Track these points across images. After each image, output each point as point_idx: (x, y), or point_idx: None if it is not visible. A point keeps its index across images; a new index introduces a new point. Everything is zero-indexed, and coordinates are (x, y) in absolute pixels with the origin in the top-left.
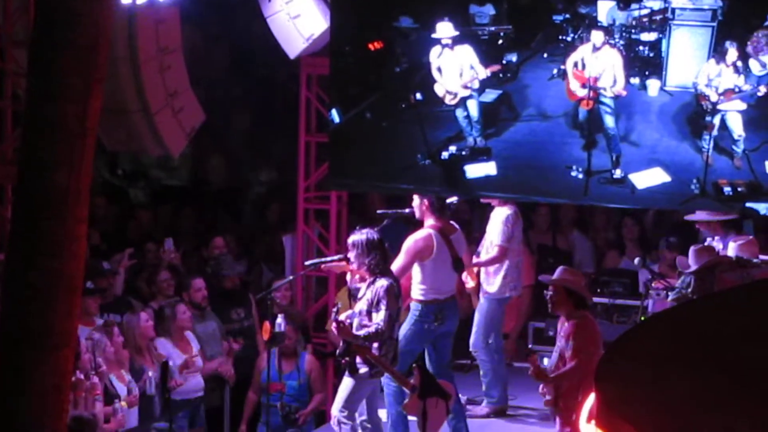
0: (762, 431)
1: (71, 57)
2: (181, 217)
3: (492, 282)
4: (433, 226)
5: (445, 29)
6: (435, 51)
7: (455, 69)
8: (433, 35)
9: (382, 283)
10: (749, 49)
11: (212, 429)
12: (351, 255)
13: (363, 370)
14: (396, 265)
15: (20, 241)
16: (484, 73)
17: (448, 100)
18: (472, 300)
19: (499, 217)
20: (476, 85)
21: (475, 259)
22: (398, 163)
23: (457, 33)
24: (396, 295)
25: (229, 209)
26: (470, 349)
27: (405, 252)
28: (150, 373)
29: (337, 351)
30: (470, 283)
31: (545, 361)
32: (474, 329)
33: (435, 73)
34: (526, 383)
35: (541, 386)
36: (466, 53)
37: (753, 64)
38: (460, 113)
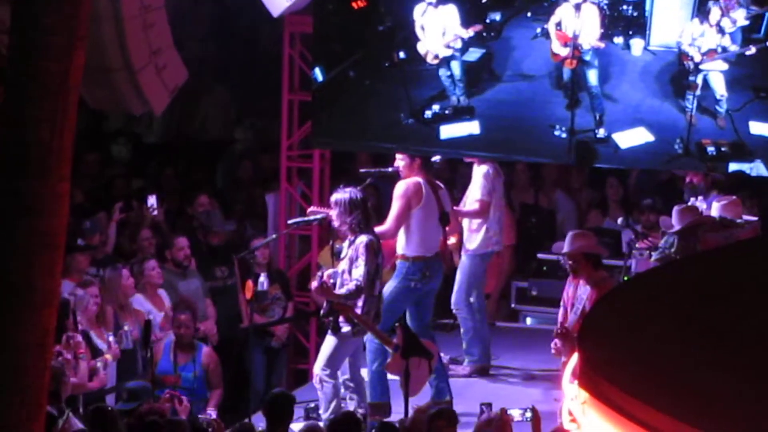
0: (742, 385)
1: (54, 13)
2: (163, 175)
3: (474, 238)
4: (421, 177)
5: None
6: (419, 8)
7: (438, 28)
8: None
9: (362, 239)
10: (720, 5)
11: None
12: (333, 213)
13: (345, 328)
14: (391, 214)
15: (2, 199)
16: (466, 33)
17: (430, 60)
18: (453, 257)
19: (479, 172)
20: (458, 44)
21: (457, 210)
22: (381, 122)
23: None
24: (376, 251)
25: (211, 168)
26: (452, 307)
27: (397, 197)
28: (126, 327)
29: (321, 311)
30: (452, 240)
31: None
32: (456, 287)
33: (418, 31)
34: (508, 343)
35: (554, 342)
36: (450, 13)
37: (725, 21)
38: (443, 72)
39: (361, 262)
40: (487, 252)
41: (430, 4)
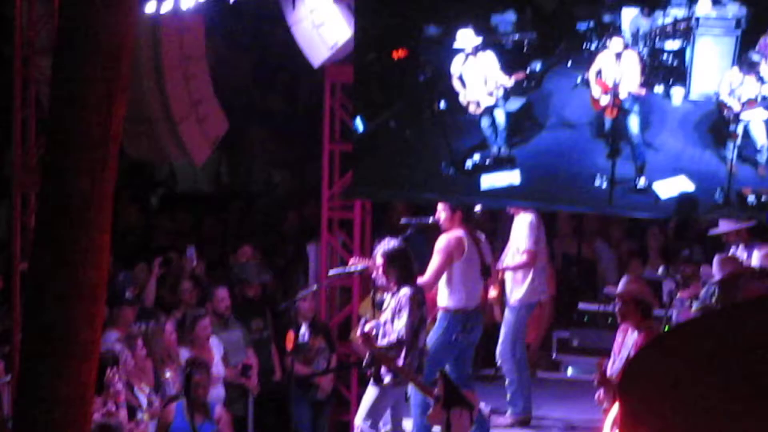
0: None
1: (94, 65)
2: (204, 225)
3: (519, 289)
4: (462, 230)
5: (465, 37)
6: (458, 60)
7: (479, 77)
8: (455, 45)
9: (405, 291)
10: (757, 55)
11: None
12: (378, 265)
13: (387, 379)
14: (431, 267)
15: (43, 250)
16: (508, 81)
17: (473, 110)
18: (494, 311)
19: (524, 222)
20: (501, 93)
21: (503, 265)
22: (422, 172)
23: (479, 40)
24: (419, 303)
25: (252, 218)
26: (497, 359)
27: (438, 251)
28: (168, 374)
29: (364, 362)
30: (493, 293)
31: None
32: (501, 338)
33: (456, 83)
34: (548, 393)
35: (599, 393)
36: (489, 60)
37: (764, 69)
38: (485, 122)
39: (404, 314)
40: (532, 302)
41: (468, 54)
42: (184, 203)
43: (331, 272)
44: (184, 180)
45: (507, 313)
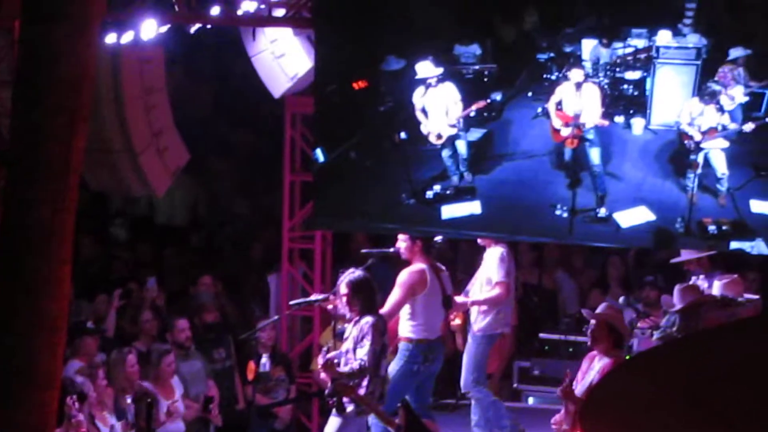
0: None
1: (55, 95)
2: (164, 256)
3: (483, 320)
4: (422, 262)
5: (426, 68)
6: (419, 91)
7: (440, 108)
8: (417, 76)
9: (367, 319)
10: (717, 84)
11: None
12: (342, 294)
13: (350, 408)
14: (391, 300)
15: (4, 280)
16: (468, 111)
17: (434, 140)
18: (457, 339)
19: (494, 255)
20: (461, 124)
21: (476, 296)
22: (383, 203)
23: (440, 71)
24: (381, 331)
25: (213, 249)
26: (462, 391)
27: (400, 285)
28: (128, 400)
29: (326, 391)
30: (457, 321)
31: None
32: (464, 369)
33: (419, 115)
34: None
35: (556, 417)
36: (450, 91)
37: (723, 99)
38: (445, 152)
39: (366, 342)
40: (495, 333)
41: (428, 85)
42: (146, 234)
43: (292, 303)
44: (162, 212)
45: (470, 342)
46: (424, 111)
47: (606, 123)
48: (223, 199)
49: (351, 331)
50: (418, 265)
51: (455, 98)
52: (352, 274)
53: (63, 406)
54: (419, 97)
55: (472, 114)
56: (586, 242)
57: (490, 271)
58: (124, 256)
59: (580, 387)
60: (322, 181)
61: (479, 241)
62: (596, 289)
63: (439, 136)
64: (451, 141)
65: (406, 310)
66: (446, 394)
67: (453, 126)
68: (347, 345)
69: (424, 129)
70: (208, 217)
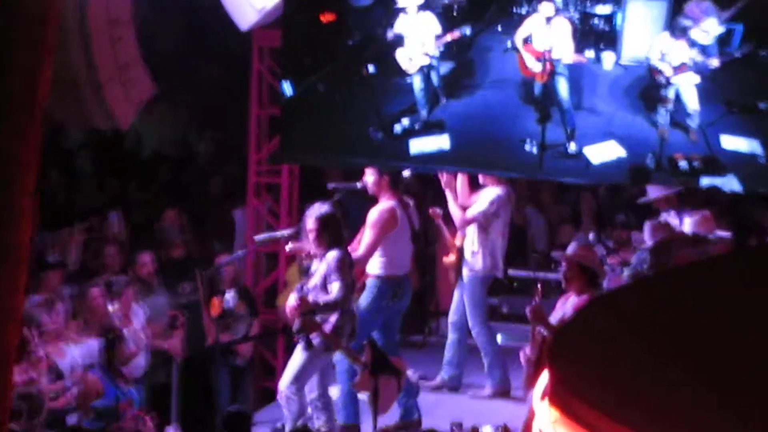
0: (717, 410)
1: (20, 28)
2: (129, 190)
3: (478, 260)
4: (390, 199)
5: None
6: (401, 19)
7: (417, 36)
8: (396, 5)
9: (333, 254)
10: (688, 20)
11: (158, 406)
12: (309, 230)
13: (316, 343)
14: (365, 241)
15: None
16: (439, 41)
17: (406, 66)
18: (449, 276)
19: (487, 196)
20: (437, 53)
21: (469, 236)
22: (351, 137)
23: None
24: (349, 265)
25: (178, 182)
26: (472, 334)
27: (372, 225)
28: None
29: (293, 327)
30: (451, 258)
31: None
32: (469, 312)
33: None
34: (479, 360)
35: (524, 350)
36: (428, 21)
37: (696, 33)
38: (417, 84)
39: (335, 278)
40: (488, 276)
41: (404, 11)
42: (111, 168)
43: (258, 238)
44: (150, 145)
45: (465, 281)
46: (400, 37)
47: (584, 59)
48: (190, 133)
49: (318, 267)
50: (387, 203)
51: (433, 29)
52: (320, 209)
53: (23, 340)
54: (399, 25)
55: (441, 48)
56: (556, 178)
57: (474, 206)
58: (89, 189)
59: (551, 320)
60: (290, 114)
61: (480, 179)
62: (567, 225)
63: (410, 60)
64: (423, 71)
65: None
66: (413, 331)
67: (426, 56)
68: (314, 280)
69: (398, 55)
70: (174, 150)
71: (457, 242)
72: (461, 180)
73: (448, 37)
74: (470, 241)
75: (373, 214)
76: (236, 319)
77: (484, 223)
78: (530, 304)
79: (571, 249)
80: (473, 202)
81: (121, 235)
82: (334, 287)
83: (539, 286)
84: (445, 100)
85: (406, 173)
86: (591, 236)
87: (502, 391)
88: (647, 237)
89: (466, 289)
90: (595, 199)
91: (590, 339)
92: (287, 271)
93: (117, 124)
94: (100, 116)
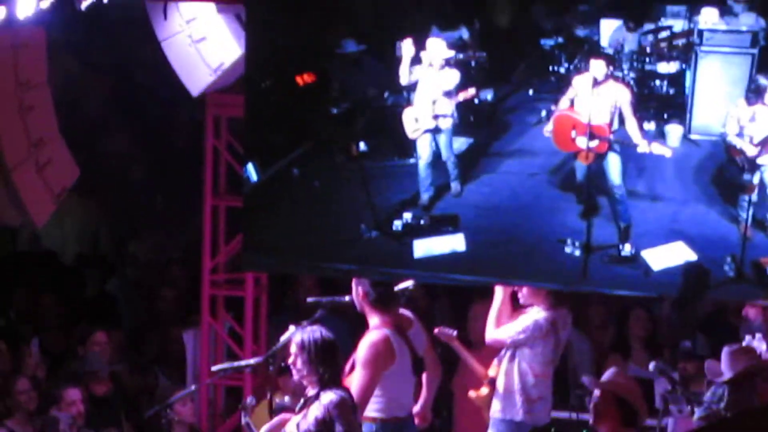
0: None
1: None
2: (42, 305)
3: (497, 399)
4: (385, 324)
5: (436, 48)
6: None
7: (429, 94)
8: (422, 53)
9: (330, 397)
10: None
11: None
12: (297, 360)
13: None
14: (357, 383)
15: None
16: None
17: (410, 130)
18: (482, 414)
19: (529, 318)
20: (449, 116)
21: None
22: (335, 236)
23: (453, 53)
24: (353, 410)
25: (108, 295)
26: None
27: (363, 365)
28: None
29: None
30: (483, 392)
31: None
32: None
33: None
34: None
35: None
36: (451, 78)
37: None
38: (423, 153)
39: (341, 423)
40: (513, 420)
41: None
42: (21, 275)
43: (215, 368)
44: (50, 245)
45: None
46: (410, 92)
47: (646, 145)
48: (124, 231)
49: (308, 408)
50: (378, 332)
51: (449, 84)
52: (312, 331)
53: None
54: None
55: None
56: (605, 289)
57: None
58: None
59: None
60: (255, 206)
61: (520, 297)
62: (615, 354)
63: (416, 122)
64: (432, 137)
65: None
66: None
67: (435, 118)
68: (303, 425)
69: (404, 116)
70: (103, 253)
71: (491, 372)
72: (498, 295)
73: (461, 97)
74: (501, 374)
75: (363, 349)
76: None
77: (514, 350)
78: None
79: (607, 375)
80: None
81: (39, 371)
82: None
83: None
84: (460, 187)
85: (409, 284)
86: (651, 366)
87: None
88: (725, 367)
89: None
90: (650, 319)
91: None
92: (254, 411)
93: (30, 219)
94: (8, 209)
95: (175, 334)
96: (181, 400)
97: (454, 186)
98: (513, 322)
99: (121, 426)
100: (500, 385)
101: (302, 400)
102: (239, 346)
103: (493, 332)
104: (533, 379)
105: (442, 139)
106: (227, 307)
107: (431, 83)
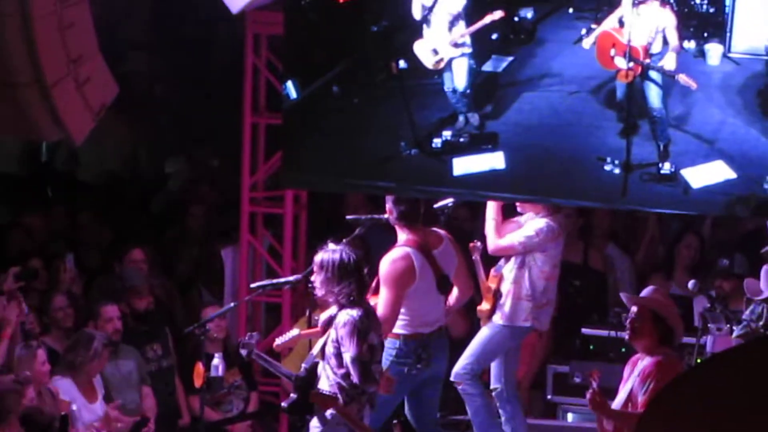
0: None
1: None
2: (80, 224)
3: (506, 303)
4: (408, 242)
5: None
6: None
7: (444, 19)
8: None
9: (344, 317)
10: None
11: None
12: (317, 279)
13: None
14: (382, 300)
15: None
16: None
17: (431, 64)
18: (481, 325)
19: (532, 226)
20: (467, 41)
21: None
22: (375, 154)
23: None
24: (366, 330)
25: (147, 213)
26: (451, 378)
27: (384, 281)
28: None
29: (287, 403)
30: (484, 305)
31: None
32: (464, 354)
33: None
34: None
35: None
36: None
37: None
38: (447, 83)
39: (347, 350)
40: (523, 327)
41: None
42: (56, 195)
43: (254, 285)
44: (88, 164)
45: (485, 328)
46: (426, 20)
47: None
48: (165, 148)
49: (329, 330)
50: (399, 251)
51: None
52: (333, 252)
53: None
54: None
55: (494, 35)
56: (644, 207)
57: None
58: (30, 222)
59: (618, 398)
60: (295, 124)
61: (518, 207)
62: (657, 272)
63: (435, 52)
64: (450, 65)
65: None
66: (458, 408)
67: (456, 46)
68: (328, 348)
69: (417, 47)
70: (143, 172)
71: (492, 285)
72: (491, 208)
73: (488, 19)
74: (507, 282)
75: (385, 266)
76: (229, 392)
77: (524, 256)
78: (588, 391)
79: (646, 292)
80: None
81: (75, 287)
82: (348, 360)
83: (596, 371)
84: (478, 114)
85: (448, 202)
86: (690, 285)
87: None
88: (764, 285)
89: (482, 332)
90: (700, 242)
91: (690, 420)
92: (293, 328)
93: (69, 136)
94: (48, 126)
95: (215, 250)
96: (219, 318)
97: (470, 117)
98: (520, 229)
99: (167, 340)
100: (507, 292)
101: (325, 319)
102: (278, 263)
103: (497, 241)
104: (544, 283)
105: (458, 65)
106: (266, 225)
107: (440, 7)
